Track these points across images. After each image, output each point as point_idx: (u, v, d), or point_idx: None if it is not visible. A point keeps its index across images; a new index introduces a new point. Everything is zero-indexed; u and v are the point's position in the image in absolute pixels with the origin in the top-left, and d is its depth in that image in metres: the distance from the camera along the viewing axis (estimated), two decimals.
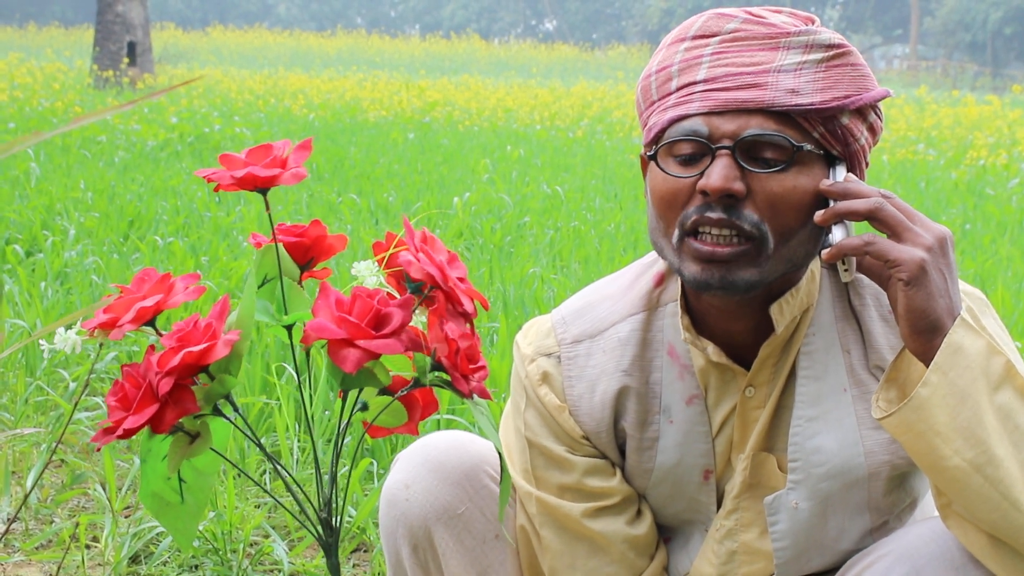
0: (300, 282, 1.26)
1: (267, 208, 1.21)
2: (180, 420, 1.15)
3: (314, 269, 1.27)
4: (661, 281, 1.60)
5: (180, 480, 1.19)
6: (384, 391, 1.21)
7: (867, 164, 1.49)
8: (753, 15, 1.45)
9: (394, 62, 40.33)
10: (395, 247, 1.23)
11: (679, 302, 1.55)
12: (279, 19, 68.23)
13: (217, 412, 1.17)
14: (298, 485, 1.23)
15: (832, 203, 1.41)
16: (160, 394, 1.12)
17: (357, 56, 42.29)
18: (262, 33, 50.51)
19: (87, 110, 12.96)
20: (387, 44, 48.55)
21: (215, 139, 10.75)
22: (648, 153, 1.47)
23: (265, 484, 3.08)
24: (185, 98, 15.68)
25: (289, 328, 1.21)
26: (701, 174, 1.41)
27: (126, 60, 18.27)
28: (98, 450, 1.18)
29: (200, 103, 15.13)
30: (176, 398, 1.13)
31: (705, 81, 1.42)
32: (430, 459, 1.66)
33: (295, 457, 3.11)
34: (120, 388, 1.15)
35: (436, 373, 1.19)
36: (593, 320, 1.61)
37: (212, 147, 10.33)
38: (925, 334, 1.35)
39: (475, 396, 1.18)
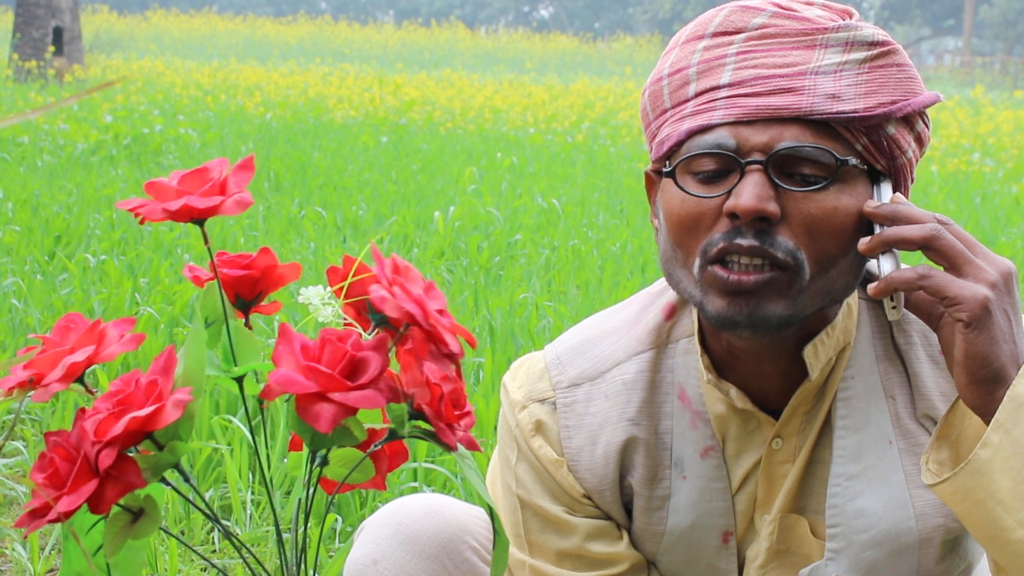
0: (247, 319, 1.23)
1: (206, 241, 1.17)
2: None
3: (262, 304, 1.24)
4: (672, 313, 1.59)
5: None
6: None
7: (912, 180, 1.49)
8: (783, 8, 1.45)
9: (365, 54, 40.41)
10: (355, 272, 1.20)
11: (695, 338, 1.55)
12: (230, 2, 68.42)
13: (162, 481, 1.14)
14: (250, 552, 1.21)
15: (877, 228, 1.41)
16: (101, 468, 1.08)
17: (322, 46, 42.37)
18: (211, 19, 50.61)
19: (6, 107, 12.95)
20: (357, 33, 48.66)
21: (156, 141, 10.74)
22: (666, 169, 1.46)
23: (213, 545, 3.07)
24: (121, 94, 15.69)
25: (240, 379, 1.18)
26: (727, 193, 1.41)
27: (51, 49, 18.26)
28: (25, 537, 1.15)
29: (138, 99, 15.13)
30: (118, 471, 1.09)
31: (731, 85, 1.42)
32: (402, 529, 1.65)
33: (248, 513, 3.11)
34: (49, 463, 1.10)
35: (414, 422, 1.16)
36: (594, 359, 1.60)
37: (152, 150, 10.32)
38: (985, 384, 1.35)
39: (461, 447, 1.17)
